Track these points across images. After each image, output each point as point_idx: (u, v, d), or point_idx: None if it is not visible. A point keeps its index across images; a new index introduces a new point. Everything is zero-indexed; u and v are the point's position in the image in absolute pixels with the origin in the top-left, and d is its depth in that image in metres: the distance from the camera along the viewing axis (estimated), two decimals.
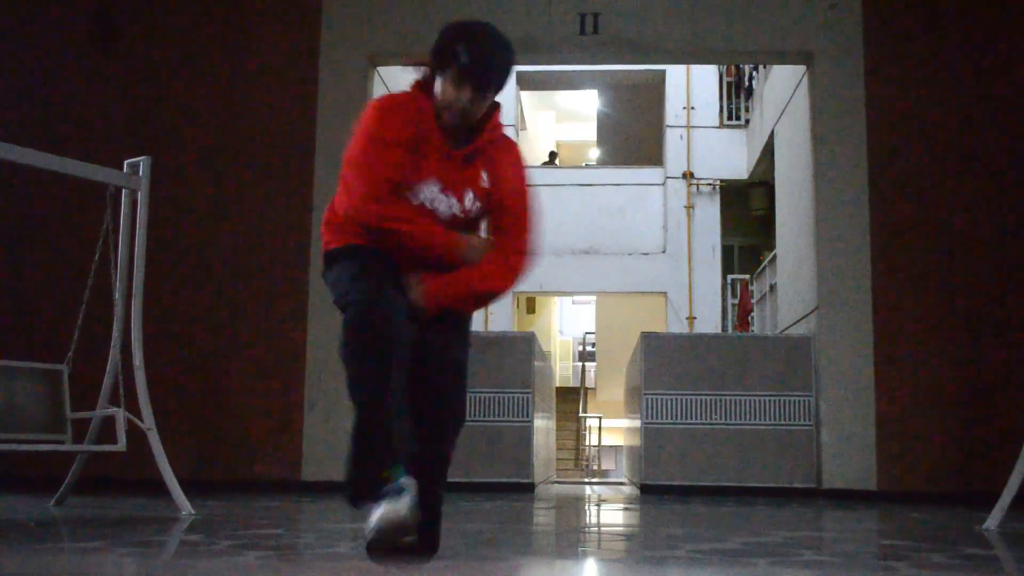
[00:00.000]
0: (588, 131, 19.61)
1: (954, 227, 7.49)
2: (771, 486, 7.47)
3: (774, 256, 10.84)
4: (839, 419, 7.38)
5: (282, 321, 7.60)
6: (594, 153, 19.54)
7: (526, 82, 16.70)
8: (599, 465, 17.19)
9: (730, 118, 15.43)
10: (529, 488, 7.44)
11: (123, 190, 5.45)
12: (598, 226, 15.33)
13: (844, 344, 7.45)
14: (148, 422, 5.17)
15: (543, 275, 15.19)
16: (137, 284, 5.37)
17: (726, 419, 7.59)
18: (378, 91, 8.56)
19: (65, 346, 5.26)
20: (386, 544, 2.63)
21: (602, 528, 5.23)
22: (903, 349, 7.39)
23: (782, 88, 10.54)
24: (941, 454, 7.24)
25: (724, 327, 14.85)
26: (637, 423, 8.11)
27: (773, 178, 11.36)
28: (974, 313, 7.37)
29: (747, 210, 15.37)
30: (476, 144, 3.05)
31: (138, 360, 5.24)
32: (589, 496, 7.91)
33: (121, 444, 5.05)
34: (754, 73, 14.21)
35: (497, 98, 3.10)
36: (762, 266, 12.29)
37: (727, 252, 15.79)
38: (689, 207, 15.15)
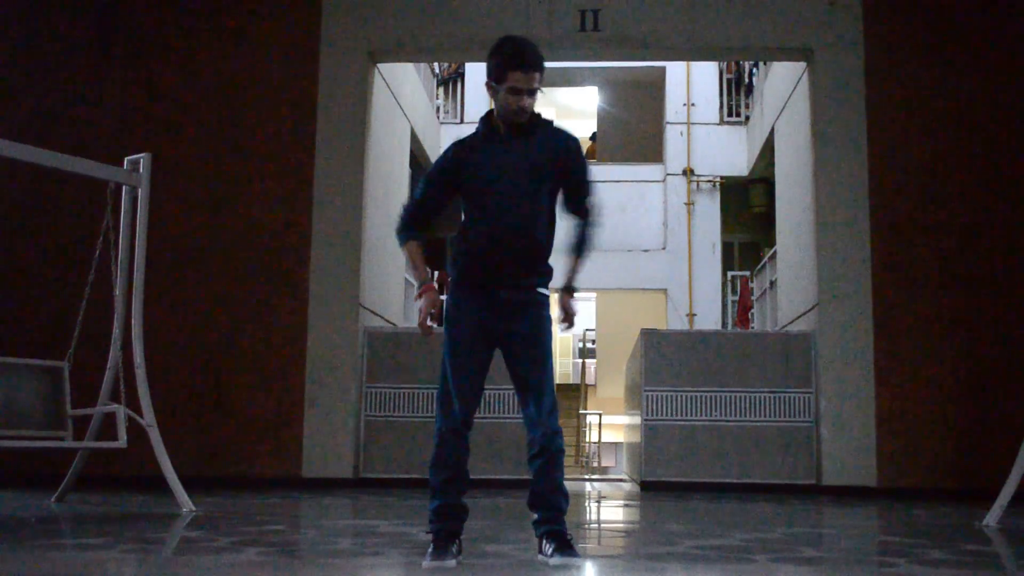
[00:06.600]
0: (588, 128, 19.59)
1: (954, 224, 7.48)
2: (771, 482, 7.48)
3: (774, 253, 10.83)
4: (839, 415, 7.39)
5: (282, 318, 7.60)
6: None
7: None
8: (599, 462, 17.19)
9: (730, 115, 15.40)
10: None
11: (124, 187, 5.46)
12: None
13: (844, 341, 7.45)
14: (149, 419, 5.17)
15: None
16: (137, 281, 5.37)
17: (726, 416, 7.59)
18: (379, 88, 8.56)
19: (66, 343, 5.27)
20: None
21: (602, 525, 5.24)
22: (903, 346, 7.39)
23: (782, 84, 10.52)
24: (941, 451, 7.25)
25: (724, 324, 14.83)
26: (637, 420, 8.11)
27: (773, 175, 11.35)
28: (974, 310, 7.37)
29: (747, 207, 15.34)
30: None
31: (138, 357, 5.25)
32: (589, 493, 7.91)
33: (122, 441, 5.06)
34: (754, 70, 14.20)
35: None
36: (762, 263, 12.27)
37: (727, 249, 15.76)
38: (689, 204, 15.12)
